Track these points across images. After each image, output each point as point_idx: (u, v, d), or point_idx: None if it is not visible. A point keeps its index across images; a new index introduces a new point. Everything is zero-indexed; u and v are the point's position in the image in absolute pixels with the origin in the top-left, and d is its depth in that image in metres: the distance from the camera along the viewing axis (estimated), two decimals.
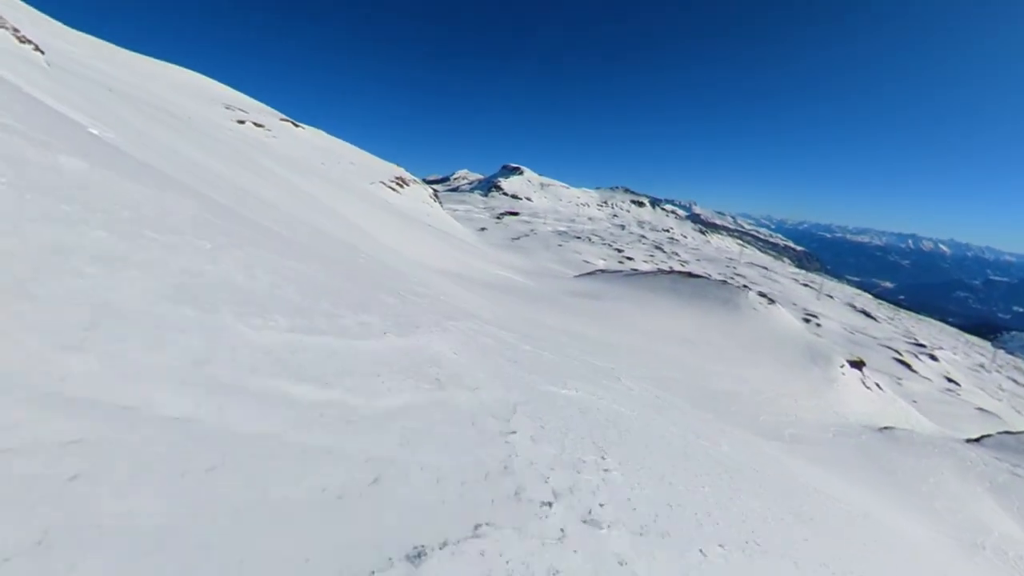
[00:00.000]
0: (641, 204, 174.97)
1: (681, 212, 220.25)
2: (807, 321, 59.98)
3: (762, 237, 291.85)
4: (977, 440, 17.45)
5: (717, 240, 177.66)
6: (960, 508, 10.28)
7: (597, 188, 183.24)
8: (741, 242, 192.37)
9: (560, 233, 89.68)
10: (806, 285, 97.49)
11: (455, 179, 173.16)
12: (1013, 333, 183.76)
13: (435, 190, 73.25)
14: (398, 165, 52.36)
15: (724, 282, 34.02)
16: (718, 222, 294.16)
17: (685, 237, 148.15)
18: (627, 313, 26.89)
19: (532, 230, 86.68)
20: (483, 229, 78.95)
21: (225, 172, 15.66)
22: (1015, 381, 63.33)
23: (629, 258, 79.83)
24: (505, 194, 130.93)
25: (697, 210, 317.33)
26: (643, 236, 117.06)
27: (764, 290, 61.83)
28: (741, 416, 13.18)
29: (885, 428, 17.23)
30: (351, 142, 60.21)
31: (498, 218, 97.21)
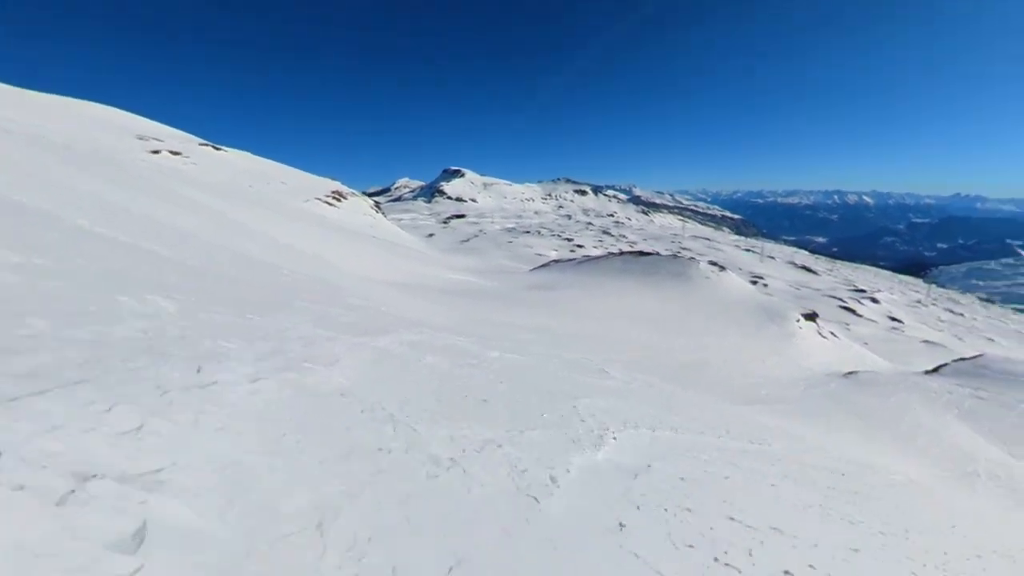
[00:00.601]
0: (584, 192, 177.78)
1: (623, 196, 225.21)
2: (755, 283, 62.20)
3: (701, 210, 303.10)
4: (935, 371, 18.14)
5: (660, 219, 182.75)
6: (940, 440, 10.38)
7: (539, 182, 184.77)
8: (682, 218, 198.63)
9: (509, 230, 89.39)
10: (748, 250, 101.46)
11: (396, 188, 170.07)
12: (941, 268, 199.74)
13: (376, 202, 71.16)
14: (334, 179, 50.27)
15: (674, 256, 34.47)
16: (658, 201, 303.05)
17: (629, 219, 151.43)
18: (586, 299, 26.59)
19: (481, 230, 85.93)
20: (431, 235, 77.51)
21: (132, 205, 14.09)
22: (951, 311, 68.31)
23: (579, 246, 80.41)
24: (449, 198, 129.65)
25: (637, 192, 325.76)
26: (590, 223, 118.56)
27: (712, 259, 63.43)
28: (717, 385, 12.94)
29: (849, 373, 17.57)
30: (285, 162, 57.54)
31: (445, 222, 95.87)
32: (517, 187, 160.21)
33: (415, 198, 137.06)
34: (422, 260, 35.66)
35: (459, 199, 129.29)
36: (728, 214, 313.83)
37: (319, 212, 37.95)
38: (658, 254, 37.99)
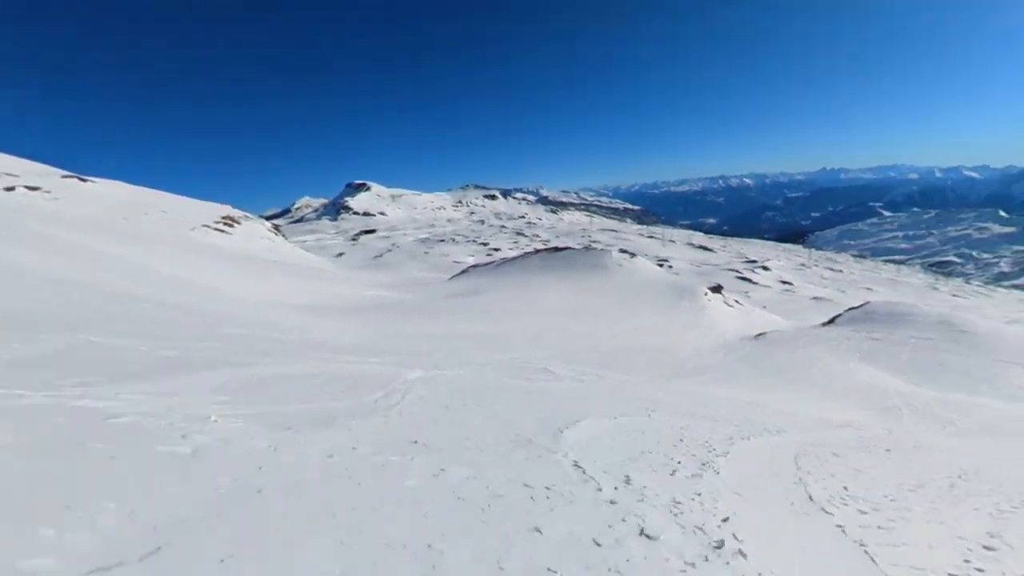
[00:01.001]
0: (494, 197, 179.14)
1: (531, 197, 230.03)
2: (661, 265, 66.00)
3: (605, 205, 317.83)
4: (831, 322, 19.91)
5: (568, 216, 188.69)
6: (854, 383, 11.18)
7: (449, 190, 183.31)
8: (588, 213, 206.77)
9: (423, 240, 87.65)
10: (651, 237, 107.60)
11: (298, 209, 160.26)
12: (816, 234, 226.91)
13: (276, 225, 66.48)
14: (224, 204, 46.00)
15: (588, 248, 35.36)
16: (565, 200, 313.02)
17: (540, 219, 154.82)
18: (510, 300, 26.33)
19: (394, 244, 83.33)
20: (340, 254, 73.82)
21: None
22: (831, 269, 77.06)
23: (496, 249, 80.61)
24: (356, 213, 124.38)
25: (545, 193, 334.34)
26: (503, 226, 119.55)
27: (622, 248, 66.20)
28: (651, 365, 13.10)
29: (759, 335, 18.75)
30: (170, 190, 51.93)
31: (354, 239, 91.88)
32: (427, 196, 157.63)
33: (319, 217, 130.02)
34: (331, 280, 33.57)
35: (367, 214, 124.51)
36: (629, 206, 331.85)
37: (208, 240, 34.49)
38: (573, 248, 38.79)
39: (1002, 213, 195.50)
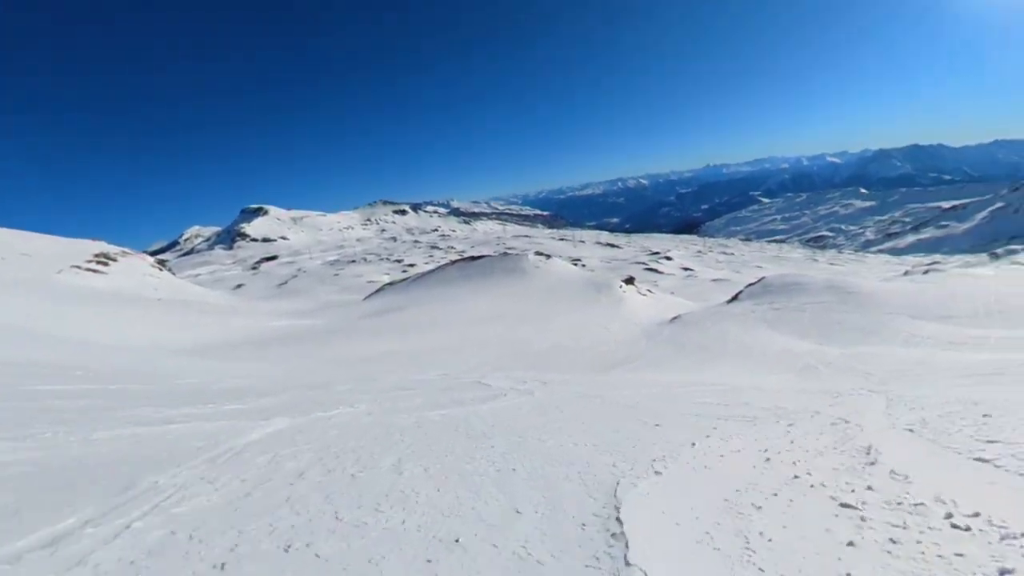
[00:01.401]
0: (404, 212, 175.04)
1: (443, 210, 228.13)
2: (576, 265, 68.18)
3: (516, 212, 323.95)
4: (734, 299, 21.25)
5: (481, 226, 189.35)
6: (769, 350, 11.77)
7: (356, 208, 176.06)
8: (501, 222, 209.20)
9: (333, 263, 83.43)
10: (562, 239, 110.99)
11: (187, 240, 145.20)
12: (707, 223, 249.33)
13: (161, 259, 59.97)
14: (97, 240, 40.39)
15: (504, 254, 35.37)
16: (477, 210, 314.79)
17: (454, 231, 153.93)
18: (432, 313, 25.42)
19: (299, 269, 78.42)
20: (239, 286, 68.10)
21: None
22: (724, 253, 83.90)
23: (411, 265, 78.65)
24: (254, 240, 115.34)
25: (456, 204, 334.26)
26: (416, 241, 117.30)
27: (537, 251, 67.29)
28: (582, 361, 12.97)
29: (674, 319, 19.50)
30: (36, 229, 44.97)
31: (254, 268, 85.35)
32: (332, 217, 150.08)
33: (211, 247, 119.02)
34: (228, 314, 30.58)
35: (266, 239, 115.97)
36: (539, 212, 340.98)
37: (79, 282, 30.08)
38: (490, 256, 38.60)
39: (862, 190, 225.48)
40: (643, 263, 68.42)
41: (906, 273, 38.07)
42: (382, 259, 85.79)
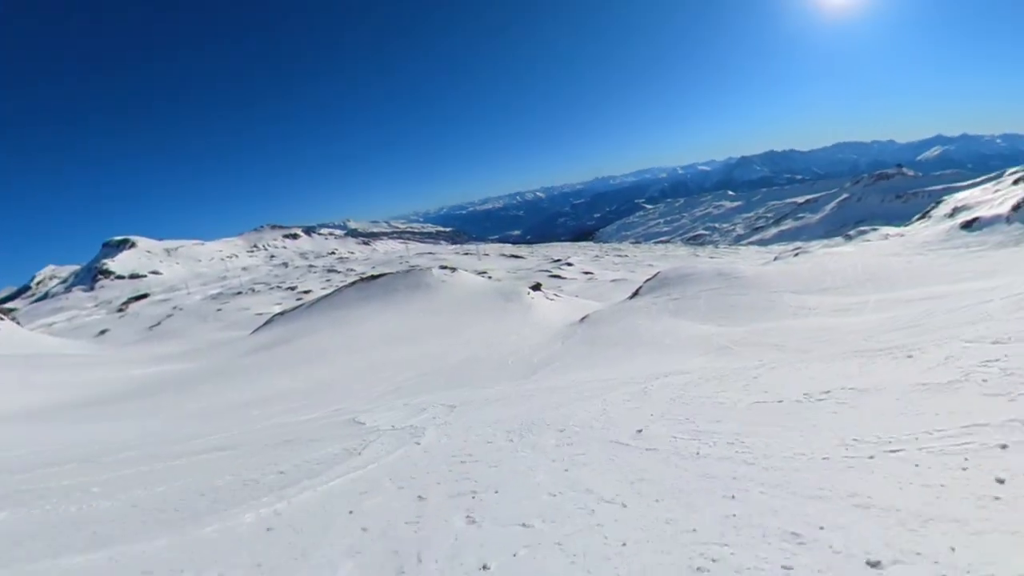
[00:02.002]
0: (296, 236, 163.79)
1: (339, 231, 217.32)
2: (482, 276, 68.09)
3: (417, 230, 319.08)
4: (635, 294, 21.91)
5: (382, 246, 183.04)
6: (679, 336, 11.93)
7: (240, 234, 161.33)
8: (402, 240, 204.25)
9: (215, 297, 75.45)
10: (467, 254, 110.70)
11: (40, 283, 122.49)
12: (601, 230, 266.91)
13: (7, 308, 50.13)
14: None
15: (408, 270, 33.88)
16: (376, 230, 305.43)
17: (353, 253, 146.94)
18: (329, 339, 23.34)
19: (175, 307, 69.92)
20: (103, 332, 59.18)
21: None
22: (618, 255, 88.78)
23: (306, 292, 73.36)
24: (120, 277, 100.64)
25: (353, 225, 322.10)
26: (311, 266, 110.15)
27: (441, 265, 66.14)
28: (499, 370, 12.24)
29: (584, 318, 19.56)
30: None
31: (120, 310, 74.71)
32: (212, 245, 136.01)
33: (69, 289, 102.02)
34: (84, 367, 25.96)
35: (135, 276, 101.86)
36: (441, 228, 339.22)
37: None
38: (391, 273, 36.76)
39: (730, 192, 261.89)
40: (547, 270, 70.10)
41: (776, 259, 42.37)
42: (273, 288, 79.25)
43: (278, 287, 79.93)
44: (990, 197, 28.35)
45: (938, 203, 44.43)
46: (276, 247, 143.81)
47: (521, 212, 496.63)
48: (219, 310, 62.93)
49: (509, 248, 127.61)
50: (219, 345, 34.04)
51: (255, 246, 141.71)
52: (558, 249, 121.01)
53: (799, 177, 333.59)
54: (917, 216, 49.53)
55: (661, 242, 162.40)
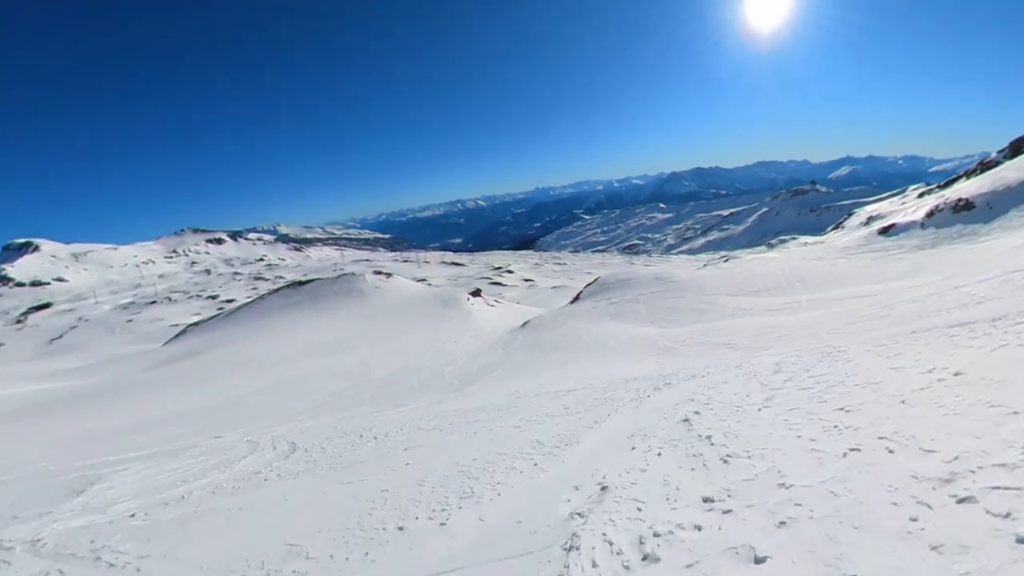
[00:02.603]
0: (220, 241, 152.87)
1: (268, 237, 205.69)
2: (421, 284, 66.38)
3: (354, 237, 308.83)
4: (576, 299, 21.63)
5: (316, 252, 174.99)
6: (620, 340, 11.49)
7: (158, 238, 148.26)
8: (338, 247, 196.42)
9: (126, 307, 68.71)
10: (406, 261, 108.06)
11: None
12: (541, 239, 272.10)
13: None
14: None
15: (339, 276, 31.95)
16: (310, 236, 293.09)
17: (283, 260, 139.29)
18: (242, 353, 21.29)
19: (80, 318, 62.98)
20: None
21: None
22: (558, 263, 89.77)
23: (229, 300, 68.38)
24: (20, 285, 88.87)
25: (285, 230, 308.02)
26: (236, 273, 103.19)
27: (376, 270, 63.99)
28: (433, 381, 11.25)
29: (525, 324, 18.97)
30: None
31: (18, 322, 66.31)
32: (127, 249, 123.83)
33: None
34: None
35: (36, 283, 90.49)
36: (380, 235, 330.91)
37: None
38: (320, 279, 34.61)
39: (661, 205, 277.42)
40: (488, 278, 69.50)
41: (705, 265, 44.05)
42: (192, 297, 73.27)
43: (198, 296, 73.99)
44: (898, 208, 30.91)
45: (850, 215, 48.11)
46: (198, 253, 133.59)
47: (462, 220, 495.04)
48: (129, 321, 57.27)
49: (450, 256, 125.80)
50: (124, 360, 30.53)
51: (174, 251, 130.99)
52: (499, 257, 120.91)
53: (724, 192, 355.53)
54: (831, 227, 53.41)
55: (599, 251, 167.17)
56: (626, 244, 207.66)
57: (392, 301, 26.14)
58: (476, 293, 27.44)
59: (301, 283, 34.55)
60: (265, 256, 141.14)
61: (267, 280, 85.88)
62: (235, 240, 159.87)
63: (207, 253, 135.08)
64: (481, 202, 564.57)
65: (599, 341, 12.37)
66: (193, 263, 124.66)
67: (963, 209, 17.40)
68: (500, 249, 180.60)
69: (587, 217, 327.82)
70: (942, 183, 31.31)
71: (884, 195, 72.81)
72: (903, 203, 33.16)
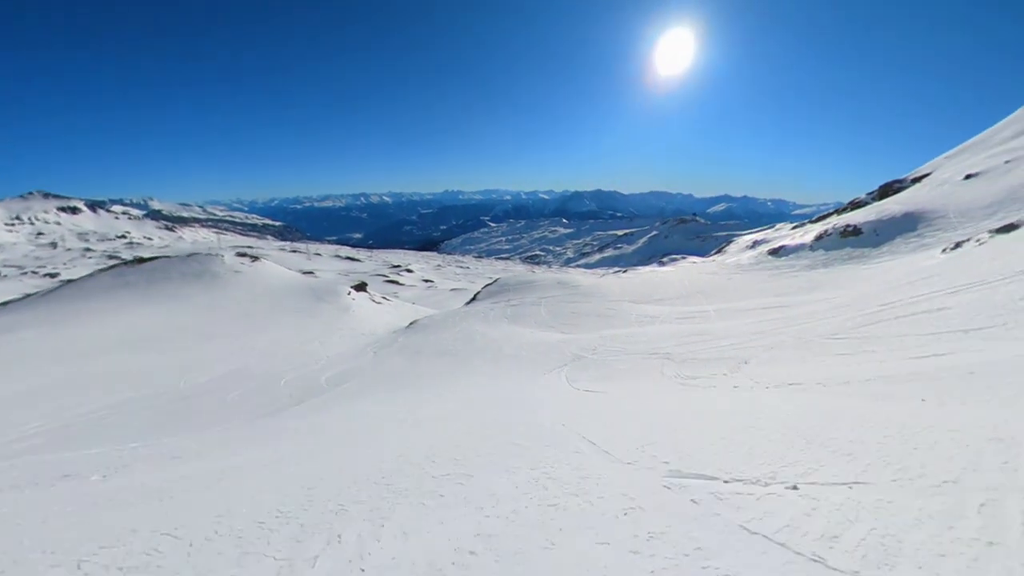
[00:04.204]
0: (76, 211, 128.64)
1: (136, 211, 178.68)
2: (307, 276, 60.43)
3: (239, 221, 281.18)
4: (473, 300, 19.52)
5: (190, 233, 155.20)
6: (517, 347, 9.54)
7: (1, 200, 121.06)
8: (218, 230, 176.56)
9: None
10: (295, 251, 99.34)
11: None
12: (446, 242, 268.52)
13: None
14: None
15: (191, 254, 26.69)
16: (186, 215, 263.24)
17: (150, 239, 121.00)
18: (40, 339, 16.24)
19: None
20: None
21: None
22: (460, 266, 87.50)
23: (70, 280, 56.91)
24: None
25: (157, 206, 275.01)
26: (88, 249, 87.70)
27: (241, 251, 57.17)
28: (256, 395, 8.31)
29: (411, 324, 16.44)
30: None
31: None
32: None
33: None
34: None
35: None
36: (269, 222, 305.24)
37: None
38: (167, 257, 28.83)
39: (564, 220, 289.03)
40: (384, 275, 65.30)
41: (603, 275, 44.52)
42: (27, 273, 60.22)
43: (34, 272, 61.01)
44: (775, 235, 33.03)
45: (730, 241, 51.71)
46: (47, 222, 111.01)
47: (365, 215, 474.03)
48: None
49: (346, 250, 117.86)
50: None
51: (17, 218, 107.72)
52: (400, 256, 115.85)
53: (619, 214, 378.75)
54: (713, 251, 57.04)
55: (502, 258, 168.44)
56: (529, 254, 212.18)
57: (254, 290, 22.00)
58: (360, 287, 24.17)
59: (143, 260, 28.62)
60: (129, 233, 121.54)
61: (124, 259, 73.50)
62: (94, 211, 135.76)
63: (58, 223, 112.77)
64: (387, 198, 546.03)
65: (494, 346, 10.33)
66: (39, 234, 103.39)
67: (851, 234, 18.32)
68: (403, 248, 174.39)
69: (494, 225, 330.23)
70: (812, 219, 34.53)
71: (755, 229, 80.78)
72: (777, 233, 36.22)
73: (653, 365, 6.99)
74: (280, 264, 72.15)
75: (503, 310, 14.82)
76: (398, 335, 15.03)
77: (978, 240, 11.76)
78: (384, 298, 25.78)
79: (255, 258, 25.78)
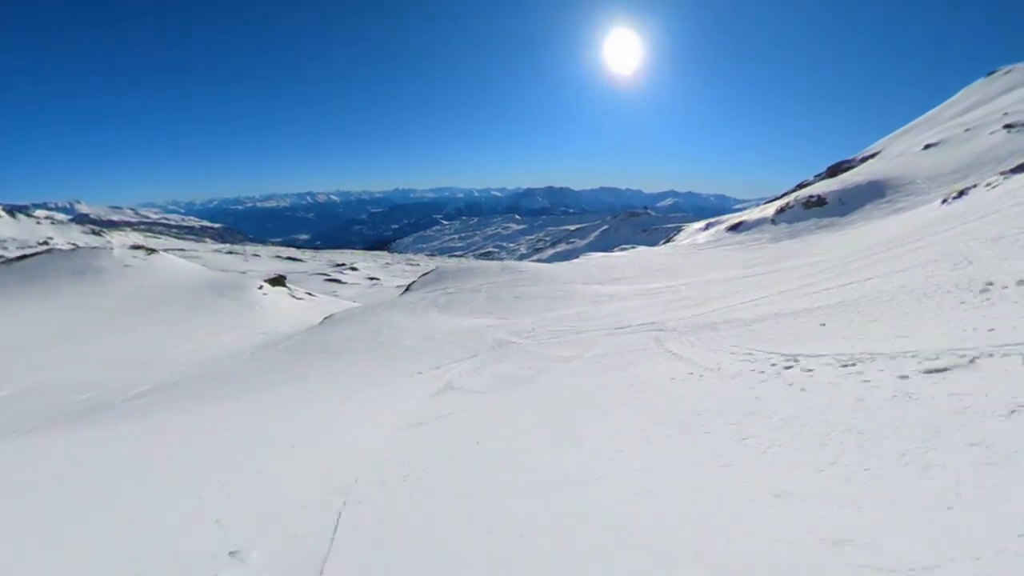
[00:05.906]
0: None
1: (62, 216, 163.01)
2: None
3: (175, 223, 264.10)
4: (407, 290, 17.30)
5: (121, 238, 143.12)
6: (433, 337, 7.44)
7: None
8: (151, 234, 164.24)
9: None
10: (231, 253, 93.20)
11: None
12: (397, 241, 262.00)
13: None
14: None
15: (75, 248, 22.75)
16: (116, 219, 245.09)
17: (75, 244, 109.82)
18: None
19: None
20: None
21: None
22: (410, 264, 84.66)
23: None
24: None
25: (85, 209, 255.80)
26: (2, 257, 77.85)
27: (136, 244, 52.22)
28: (155, 394, 5.72)
29: (325, 319, 13.85)
30: None
31: None
32: None
33: None
34: None
35: None
36: (208, 224, 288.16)
37: None
38: (47, 253, 24.51)
39: (517, 217, 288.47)
40: (325, 274, 61.35)
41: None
42: None
43: None
44: (726, 218, 32.43)
45: (678, 231, 51.49)
46: None
47: (311, 215, 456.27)
48: None
49: (289, 251, 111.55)
50: None
51: None
52: (348, 255, 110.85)
53: (571, 210, 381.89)
54: (662, 241, 56.77)
55: (455, 255, 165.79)
56: (482, 251, 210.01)
57: (143, 286, 18.57)
58: (276, 281, 21.10)
59: (23, 257, 24.28)
60: (51, 239, 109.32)
61: None
62: (13, 216, 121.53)
63: None
64: (335, 197, 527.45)
65: (395, 338, 8.18)
66: None
67: (815, 205, 17.24)
68: (352, 248, 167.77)
69: (446, 222, 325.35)
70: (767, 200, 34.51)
71: (701, 222, 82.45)
72: (720, 222, 36.30)
73: (637, 342, 5.01)
74: (212, 266, 66.74)
75: (435, 298, 12.72)
76: (304, 332, 12.44)
77: (988, 184, 10.72)
78: (309, 294, 22.77)
79: (151, 251, 22.16)
